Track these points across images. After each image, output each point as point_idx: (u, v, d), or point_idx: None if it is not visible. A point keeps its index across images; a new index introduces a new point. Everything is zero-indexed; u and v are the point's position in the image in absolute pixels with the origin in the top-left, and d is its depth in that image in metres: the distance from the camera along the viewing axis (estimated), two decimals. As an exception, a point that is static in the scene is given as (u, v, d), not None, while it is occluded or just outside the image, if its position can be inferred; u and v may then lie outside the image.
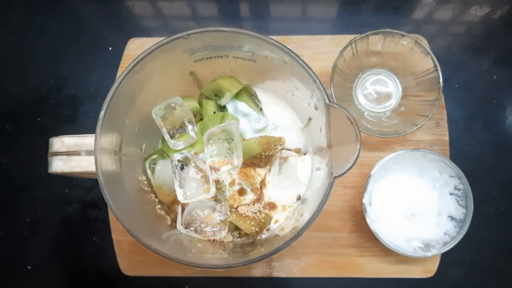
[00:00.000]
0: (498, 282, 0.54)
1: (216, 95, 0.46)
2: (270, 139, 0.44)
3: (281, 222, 0.46)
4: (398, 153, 0.48)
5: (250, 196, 0.45)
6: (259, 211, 0.44)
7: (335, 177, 0.34)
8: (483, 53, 0.59)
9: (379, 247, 0.50)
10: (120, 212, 0.34)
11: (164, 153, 0.46)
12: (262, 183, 0.46)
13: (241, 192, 0.45)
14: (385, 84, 0.55)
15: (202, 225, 0.41)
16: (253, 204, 0.45)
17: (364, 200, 0.48)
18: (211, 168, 0.41)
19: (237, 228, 0.46)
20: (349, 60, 0.53)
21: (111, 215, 0.55)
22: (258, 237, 0.45)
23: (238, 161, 0.41)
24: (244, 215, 0.44)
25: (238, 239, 0.46)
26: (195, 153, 0.45)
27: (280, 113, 0.48)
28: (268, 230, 0.46)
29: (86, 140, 0.39)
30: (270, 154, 0.45)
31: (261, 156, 0.44)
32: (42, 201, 0.58)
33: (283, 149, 0.46)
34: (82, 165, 0.38)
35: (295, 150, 0.47)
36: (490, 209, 0.55)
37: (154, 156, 0.45)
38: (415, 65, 0.52)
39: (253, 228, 0.43)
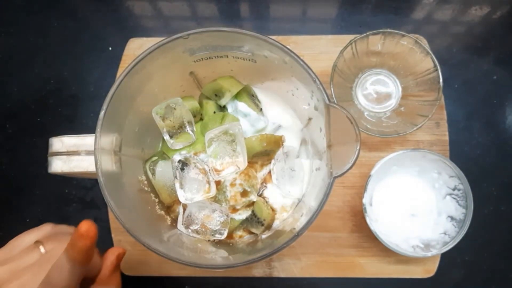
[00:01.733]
0: (498, 282, 0.54)
1: (216, 95, 0.46)
2: (270, 136, 0.44)
3: (281, 222, 0.46)
4: (398, 153, 0.48)
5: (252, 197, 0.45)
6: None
7: (335, 177, 0.34)
8: (483, 53, 0.59)
9: (379, 247, 0.50)
10: (120, 212, 0.34)
11: (164, 155, 0.46)
12: (264, 181, 0.46)
13: (243, 193, 0.45)
14: (385, 84, 0.55)
15: (202, 226, 0.41)
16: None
17: (364, 200, 0.48)
18: (214, 170, 0.41)
19: (238, 228, 0.46)
20: (349, 60, 0.53)
21: (111, 215, 0.55)
22: (258, 237, 0.45)
23: (243, 164, 0.41)
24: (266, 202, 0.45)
25: (239, 239, 0.46)
26: (195, 153, 0.45)
27: (280, 113, 0.48)
28: (269, 229, 0.46)
29: (86, 140, 0.39)
30: (271, 150, 0.45)
31: (262, 153, 0.44)
32: (42, 201, 0.58)
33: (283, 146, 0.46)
34: (82, 165, 0.38)
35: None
36: (490, 209, 0.55)
37: (154, 158, 0.45)
38: (415, 65, 0.52)
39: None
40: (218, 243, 0.44)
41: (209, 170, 0.42)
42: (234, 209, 0.45)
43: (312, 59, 0.55)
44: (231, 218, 0.44)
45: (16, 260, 0.36)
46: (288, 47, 0.36)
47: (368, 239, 0.52)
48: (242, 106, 0.46)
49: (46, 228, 0.41)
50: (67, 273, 0.31)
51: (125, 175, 0.40)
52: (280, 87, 0.45)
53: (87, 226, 0.30)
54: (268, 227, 0.45)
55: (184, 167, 0.41)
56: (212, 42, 0.39)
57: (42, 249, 0.38)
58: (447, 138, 0.54)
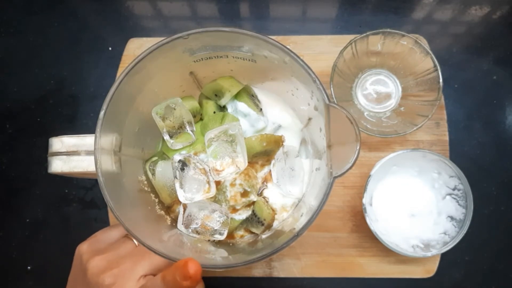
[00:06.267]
0: (498, 282, 0.54)
1: (216, 95, 0.46)
2: (270, 136, 0.44)
3: (281, 222, 0.46)
4: (398, 153, 0.48)
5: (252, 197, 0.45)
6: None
7: (335, 177, 0.34)
8: (483, 53, 0.59)
9: (379, 247, 0.50)
10: (120, 212, 0.34)
11: (164, 155, 0.46)
12: (265, 180, 0.46)
13: (243, 193, 0.45)
14: (385, 84, 0.55)
15: (202, 226, 0.41)
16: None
17: (364, 200, 0.48)
18: (214, 170, 0.41)
19: (239, 228, 0.46)
20: (349, 60, 0.53)
21: (111, 215, 0.55)
22: (259, 237, 0.45)
23: (243, 164, 0.41)
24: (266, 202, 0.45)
25: (239, 239, 0.46)
26: (195, 153, 0.45)
27: (279, 113, 0.48)
28: (269, 229, 0.46)
29: (86, 140, 0.39)
30: (271, 150, 0.45)
31: (262, 153, 0.44)
32: (42, 201, 0.58)
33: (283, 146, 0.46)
34: (82, 165, 0.38)
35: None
36: (490, 209, 0.55)
37: (154, 158, 0.45)
38: (415, 65, 0.52)
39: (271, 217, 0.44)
40: (218, 243, 0.44)
41: (209, 170, 0.42)
42: (234, 209, 0.45)
43: (312, 59, 0.55)
44: (231, 218, 0.44)
45: (111, 251, 0.38)
46: (288, 47, 0.36)
47: (368, 239, 0.52)
48: (242, 106, 0.46)
49: None
50: None
51: (125, 175, 0.40)
52: (280, 87, 0.45)
53: (196, 269, 0.28)
54: (269, 227, 0.45)
55: (184, 167, 0.41)
56: (212, 42, 0.39)
57: (135, 241, 0.39)
58: (447, 138, 0.54)
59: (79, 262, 0.38)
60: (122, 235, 0.41)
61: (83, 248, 0.39)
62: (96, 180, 0.35)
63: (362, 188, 0.49)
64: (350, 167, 0.33)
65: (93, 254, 0.37)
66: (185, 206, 0.42)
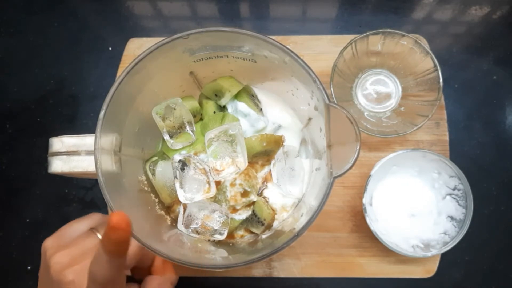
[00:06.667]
0: (498, 282, 0.54)
1: (216, 95, 0.46)
2: (270, 136, 0.44)
3: (281, 222, 0.46)
4: (398, 153, 0.48)
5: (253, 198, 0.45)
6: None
7: (335, 177, 0.34)
8: (483, 53, 0.59)
9: (379, 247, 0.50)
10: (120, 212, 0.34)
11: (165, 155, 0.46)
12: (265, 180, 0.46)
13: (243, 193, 0.45)
14: (385, 84, 0.55)
15: (202, 226, 0.41)
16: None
17: (364, 200, 0.48)
18: (214, 170, 0.41)
19: (239, 228, 0.46)
20: (349, 60, 0.53)
21: (111, 215, 0.55)
22: (259, 237, 0.45)
23: (243, 164, 0.41)
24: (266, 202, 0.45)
25: (239, 239, 0.46)
26: (195, 153, 0.45)
27: (280, 113, 0.48)
28: (269, 229, 0.46)
29: (86, 140, 0.39)
30: (271, 150, 0.45)
31: (262, 153, 0.44)
32: (42, 201, 0.58)
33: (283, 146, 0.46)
34: (82, 165, 0.38)
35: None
36: (490, 209, 0.55)
37: (154, 158, 0.45)
38: (415, 65, 0.52)
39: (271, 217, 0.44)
40: (218, 243, 0.44)
41: (209, 170, 0.42)
42: (234, 209, 0.45)
43: (312, 59, 0.55)
44: (231, 218, 0.44)
45: (74, 246, 0.37)
46: (288, 47, 0.36)
47: (368, 239, 0.52)
48: (242, 106, 0.46)
49: (96, 217, 0.42)
50: (107, 265, 0.30)
51: (125, 175, 0.40)
52: (280, 87, 0.45)
53: (118, 218, 0.28)
54: (269, 227, 0.45)
55: (184, 167, 0.41)
56: (212, 42, 0.39)
57: (98, 235, 0.38)
58: (447, 138, 0.54)
59: (44, 259, 0.38)
60: (88, 228, 0.40)
61: (48, 243, 0.38)
62: (96, 180, 0.35)
63: (362, 188, 0.49)
64: (350, 167, 0.33)
65: (56, 249, 0.37)
66: (185, 206, 0.42)
